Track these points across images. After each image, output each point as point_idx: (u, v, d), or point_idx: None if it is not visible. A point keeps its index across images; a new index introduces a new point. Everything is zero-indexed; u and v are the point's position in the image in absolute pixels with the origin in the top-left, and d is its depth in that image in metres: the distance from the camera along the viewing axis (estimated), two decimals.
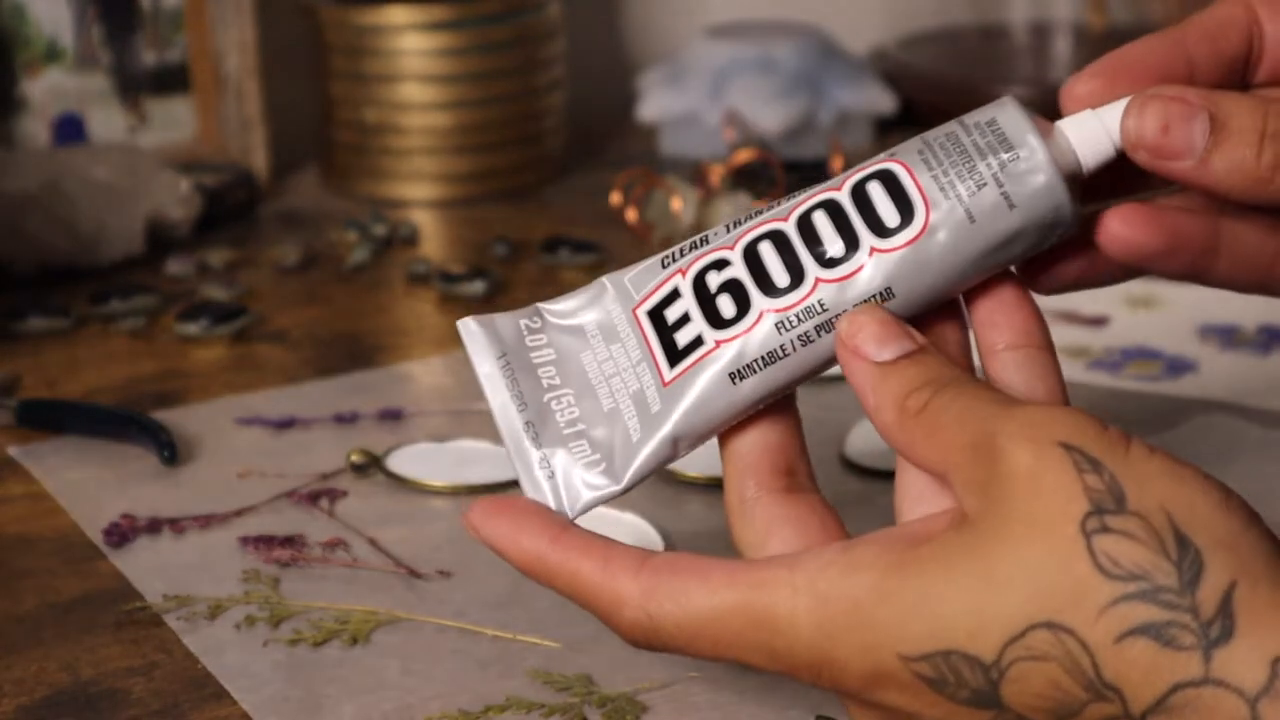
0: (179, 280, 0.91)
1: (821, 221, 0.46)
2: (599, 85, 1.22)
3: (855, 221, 0.46)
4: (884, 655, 0.41)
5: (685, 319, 0.46)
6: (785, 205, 0.47)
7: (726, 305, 0.46)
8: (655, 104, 1.12)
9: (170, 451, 0.70)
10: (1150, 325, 0.82)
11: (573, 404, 0.47)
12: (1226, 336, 0.80)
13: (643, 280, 0.48)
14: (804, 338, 0.46)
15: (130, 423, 0.72)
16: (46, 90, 1.01)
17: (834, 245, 0.46)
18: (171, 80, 1.04)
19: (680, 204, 0.94)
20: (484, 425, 0.73)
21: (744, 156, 1.00)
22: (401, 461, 0.69)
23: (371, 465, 0.68)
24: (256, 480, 0.68)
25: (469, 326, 0.48)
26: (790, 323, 0.46)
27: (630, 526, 0.63)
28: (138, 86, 1.03)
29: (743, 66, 1.11)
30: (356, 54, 1.04)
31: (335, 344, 0.83)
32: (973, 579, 0.41)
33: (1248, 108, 0.45)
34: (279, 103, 1.08)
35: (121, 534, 0.64)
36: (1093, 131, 0.46)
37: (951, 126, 0.46)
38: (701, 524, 0.64)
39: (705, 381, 0.46)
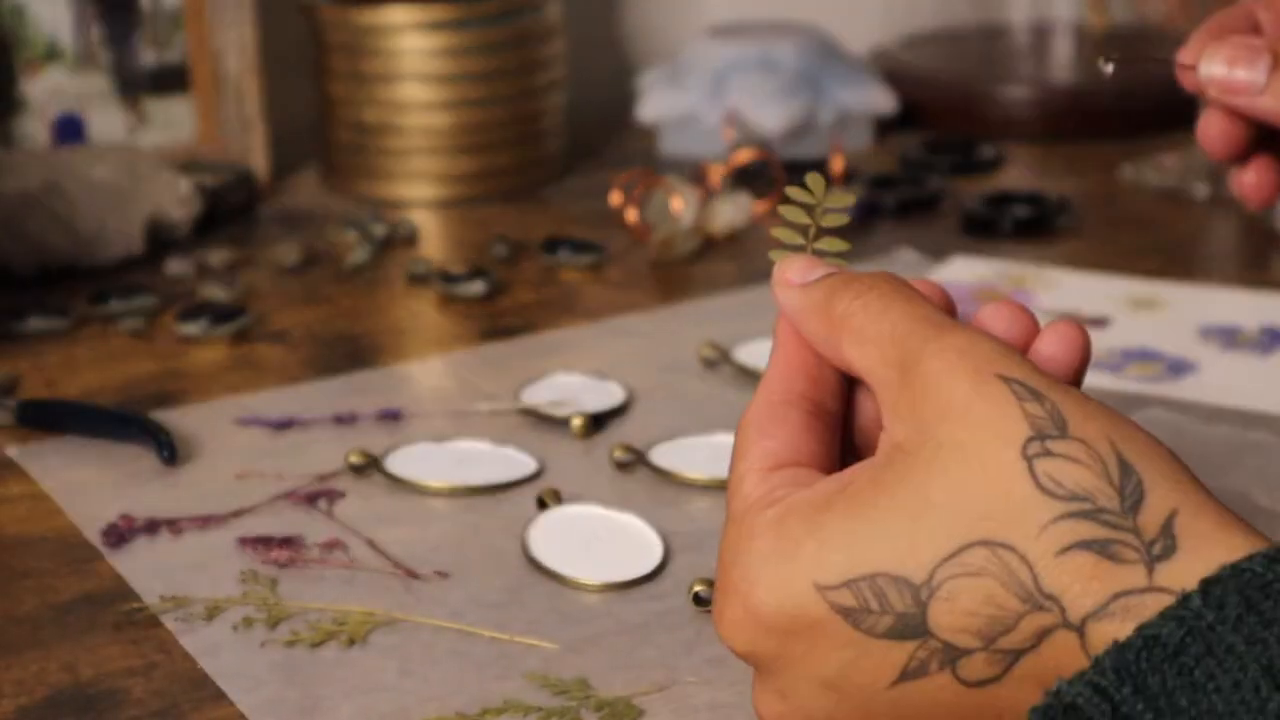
0: (178, 280, 0.91)
1: None
2: (599, 85, 1.22)
3: None
4: (798, 587, 0.41)
5: None
6: None
7: None
8: (655, 104, 1.12)
9: (169, 452, 0.69)
10: (1151, 327, 0.82)
11: None
12: (1227, 337, 0.80)
13: None
14: None
15: (129, 423, 0.72)
16: (46, 90, 1.01)
17: None
18: (171, 80, 1.04)
19: (680, 204, 0.94)
20: (483, 426, 0.73)
21: (744, 156, 1.00)
22: (400, 462, 0.69)
23: (370, 466, 0.68)
24: (255, 481, 0.68)
25: None
26: None
27: (629, 527, 0.63)
28: (137, 86, 1.03)
29: (743, 66, 1.11)
30: (356, 54, 1.04)
31: (335, 344, 0.83)
32: (904, 505, 0.40)
33: None
34: (279, 103, 1.08)
35: (120, 535, 0.64)
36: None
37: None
38: (702, 525, 0.64)
39: None
